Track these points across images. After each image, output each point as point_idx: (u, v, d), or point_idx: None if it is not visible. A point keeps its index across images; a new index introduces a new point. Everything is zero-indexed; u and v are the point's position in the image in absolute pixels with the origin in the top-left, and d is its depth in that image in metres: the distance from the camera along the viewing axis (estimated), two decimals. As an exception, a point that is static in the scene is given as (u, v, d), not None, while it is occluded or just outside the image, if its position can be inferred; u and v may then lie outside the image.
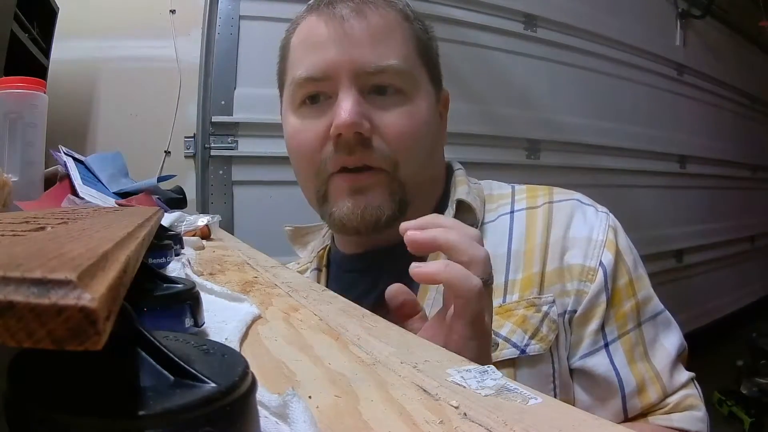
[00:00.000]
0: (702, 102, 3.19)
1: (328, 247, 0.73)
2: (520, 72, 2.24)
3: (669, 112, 2.94)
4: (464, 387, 0.26)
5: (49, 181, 0.90)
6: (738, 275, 3.57)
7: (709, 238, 3.18)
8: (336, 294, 0.46)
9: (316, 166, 0.61)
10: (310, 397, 0.24)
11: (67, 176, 0.90)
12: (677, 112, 3.00)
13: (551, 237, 0.60)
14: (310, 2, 0.64)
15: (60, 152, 0.96)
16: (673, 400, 0.57)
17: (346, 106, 0.57)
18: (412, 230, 0.42)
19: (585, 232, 0.59)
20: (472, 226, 0.61)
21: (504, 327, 0.56)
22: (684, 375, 0.58)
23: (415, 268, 0.38)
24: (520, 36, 2.25)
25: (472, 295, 0.38)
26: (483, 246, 0.43)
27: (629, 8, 2.67)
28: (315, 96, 0.60)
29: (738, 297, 3.54)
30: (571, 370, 0.57)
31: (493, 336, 0.55)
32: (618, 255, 0.58)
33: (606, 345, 0.57)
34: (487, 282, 0.41)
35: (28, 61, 1.29)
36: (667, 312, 0.61)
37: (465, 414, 0.23)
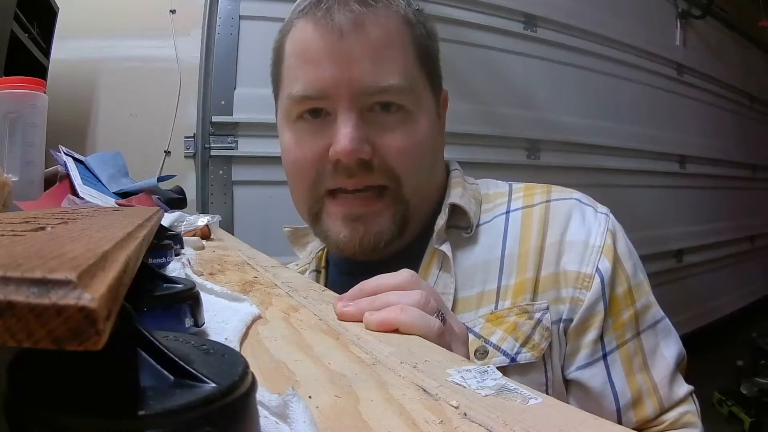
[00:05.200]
0: (702, 102, 3.19)
1: (326, 248, 0.72)
2: (520, 72, 2.24)
3: (669, 112, 2.93)
4: (464, 387, 0.26)
5: (49, 181, 0.90)
6: (738, 275, 3.57)
7: (709, 238, 3.17)
8: (336, 294, 0.46)
9: (312, 181, 0.59)
10: (310, 397, 0.24)
11: (67, 176, 0.90)
12: (677, 112, 3.00)
13: (547, 240, 0.58)
14: (303, 2, 0.60)
15: (60, 152, 0.96)
16: (670, 417, 0.55)
17: (345, 132, 0.55)
18: (354, 311, 0.39)
19: (582, 236, 0.57)
20: (466, 229, 0.61)
21: (494, 334, 0.55)
22: (683, 389, 0.57)
23: (371, 317, 0.37)
24: (520, 36, 2.24)
25: (433, 337, 0.37)
26: (415, 280, 0.43)
27: (629, 8, 2.67)
28: (313, 110, 0.58)
29: (738, 297, 3.54)
30: (567, 381, 0.56)
31: (483, 344, 0.55)
32: (616, 261, 0.57)
33: (604, 356, 0.55)
34: (441, 316, 0.41)
35: (28, 61, 1.29)
36: (667, 319, 0.59)
37: (465, 414, 0.23)
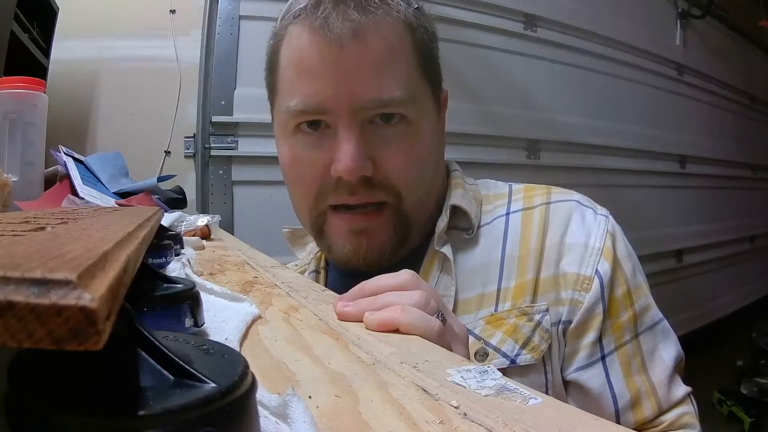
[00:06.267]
0: (702, 102, 3.19)
1: (326, 249, 0.72)
2: (520, 72, 2.24)
3: (669, 112, 2.93)
4: (464, 387, 0.26)
5: (49, 181, 0.90)
6: (738, 275, 3.57)
7: (709, 238, 3.17)
8: (336, 294, 0.46)
9: (314, 196, 0.59)
10: (310, 397, 0.24)
11: (67, 176, 0.90)
12: (677, 112, 3.00)
13: (547, 241, 0.58)
14: (297, 5, 0.57)
15: (60, 152, 0.96)
16: (668, 418, 0.55)
17: (347, 150, 0.54)
18: (353, 311, 0.39)
19: (582, 238, 0.57)
20: (467, 230, 0.61)
21: (494, 336, 0.55)
22: (681, 390, 0.57)
23: (371, 317, 0.37)
24: (520, 36, 2.24)
25: (433, 337, 0.37)
26: (415, 280, 0.43)
27: (629, 8, 2.67)
28: (311, 121, 0.57)
29: (738, 297, 3.54)
30: (566, 382, 0.56)
31: (483, 346, 0.55)
32: (615, 263, 0.57)
33: (602, 357, 0.55)
34: (441, 316, 0.41)
35: (28, 61, 1.29)
36: (665, 321, 0.60)
37: (465, 414, 0.23)
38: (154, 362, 0.15)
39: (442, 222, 0.60)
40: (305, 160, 0.59)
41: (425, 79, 0.60)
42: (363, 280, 0.43)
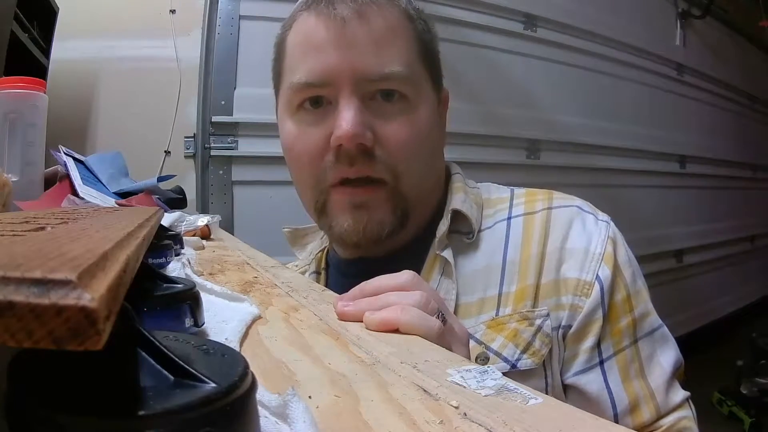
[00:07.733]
0: (702, 102, 3.19)
1: (326, 249, 0.72)
2: (520, 72, 2.24)
3: (669, 112, 2.93)
4: (464, 387, 0.26)
5: (49, 181, 0.90)
6: (738, 275, 3.57)
7: (709, 238, 3.17)
8: (336, 294, 0.46)
9: (315, 175, 0.59)
10: (310, 397, 0.24)
11: (67, 176, 0.90)
12: (677, 112, 3.00)
13: (548, 246, 0.58)
14: None
15: (60, 152, 0.96)
16: (666, 422, 0.55)
17: (347, 117, 0.55)
18: (351, 310, 0.39)
19: (583, 244, 0.58)
20: (468, 235, 0.61)
21: (495, 341, 0.55)
22: (679, 395, 0.57)
23: (371, 316, 0.37)
24: (520, 36, 2.24)
25: (433, 337, 0.37)
26: (416, 281, 0.43)
27: (629, 8, 2.67)
28: (314, 99, 0.59)
29: (738, 297, 3.54)
30: (565, 386, 0.57)
31: (484, 350, 0.55)
32: (616, 269, 0.57)
33: (601, 362, 0.55)
34: (442, 317, 0.41)
35: (28, 61, 1.28)
36: (664, 327, 0.60)
37: (465, 414, 0.23)
38: (154, 362, 0.15)
39: (443, 226, 0.60)
40: (306, 138, 0.59)
41: (425, 67, 0.61)
42: (363, 281, 0.43)
